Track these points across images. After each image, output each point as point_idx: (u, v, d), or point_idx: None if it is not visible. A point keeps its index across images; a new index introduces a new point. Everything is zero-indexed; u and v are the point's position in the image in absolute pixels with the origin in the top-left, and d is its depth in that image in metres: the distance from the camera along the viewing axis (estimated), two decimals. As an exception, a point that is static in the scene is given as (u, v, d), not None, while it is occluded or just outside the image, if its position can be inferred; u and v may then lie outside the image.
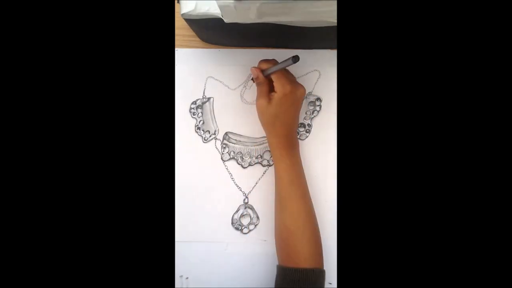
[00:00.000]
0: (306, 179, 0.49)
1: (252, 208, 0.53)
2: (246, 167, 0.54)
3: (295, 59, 0.42)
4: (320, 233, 0.48)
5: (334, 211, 0.53)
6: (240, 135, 0.54)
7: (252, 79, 0.54)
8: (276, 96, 0.46)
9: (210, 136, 0.54)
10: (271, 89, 0.48)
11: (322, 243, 0.47)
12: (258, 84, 0.48)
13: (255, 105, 0.49)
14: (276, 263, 0.48)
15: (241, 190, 0.53)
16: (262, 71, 0.48)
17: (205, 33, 0.52)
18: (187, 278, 0.51)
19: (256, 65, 0.49)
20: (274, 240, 0.50)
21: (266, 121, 0.48)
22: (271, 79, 0.47)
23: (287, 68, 0.46)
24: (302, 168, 0.49)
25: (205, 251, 0.52)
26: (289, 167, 0.47)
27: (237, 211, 0.53)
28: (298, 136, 0.54)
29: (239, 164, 0.54)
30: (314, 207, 0.49)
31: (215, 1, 0.39)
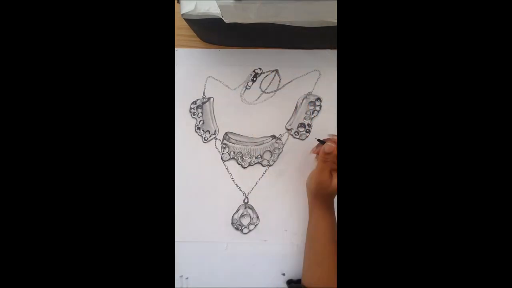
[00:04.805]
0: (306, 179, 0.49)
1: (252, 208, 0.53)
2: (246, 167, 0.54)
3: None
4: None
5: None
6: (240, 135, 0.54)
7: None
8: None
9: (210, 136, 0.54)
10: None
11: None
12: (325, 161, 0.46)
13: (255, 105, 0.48)
14: (276, 263, 0.48)
15: (241, 190, 0.53)
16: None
17: (205, 33, 0.52)
18: (187, 278, 0.51)
19: (255, 65, 0.49)
20: (274, 239, 0.50)
21: (323, 193, 0.47)
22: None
23: None
24: None
25: (205, 251, 0.52)
26: (332, 225, 0.47)
27: (237, 211, 0.53)
28: (298, 136, 0.54)
29: (239, 164, 0.54)
30: None
31: (215, 1, 0.39)
